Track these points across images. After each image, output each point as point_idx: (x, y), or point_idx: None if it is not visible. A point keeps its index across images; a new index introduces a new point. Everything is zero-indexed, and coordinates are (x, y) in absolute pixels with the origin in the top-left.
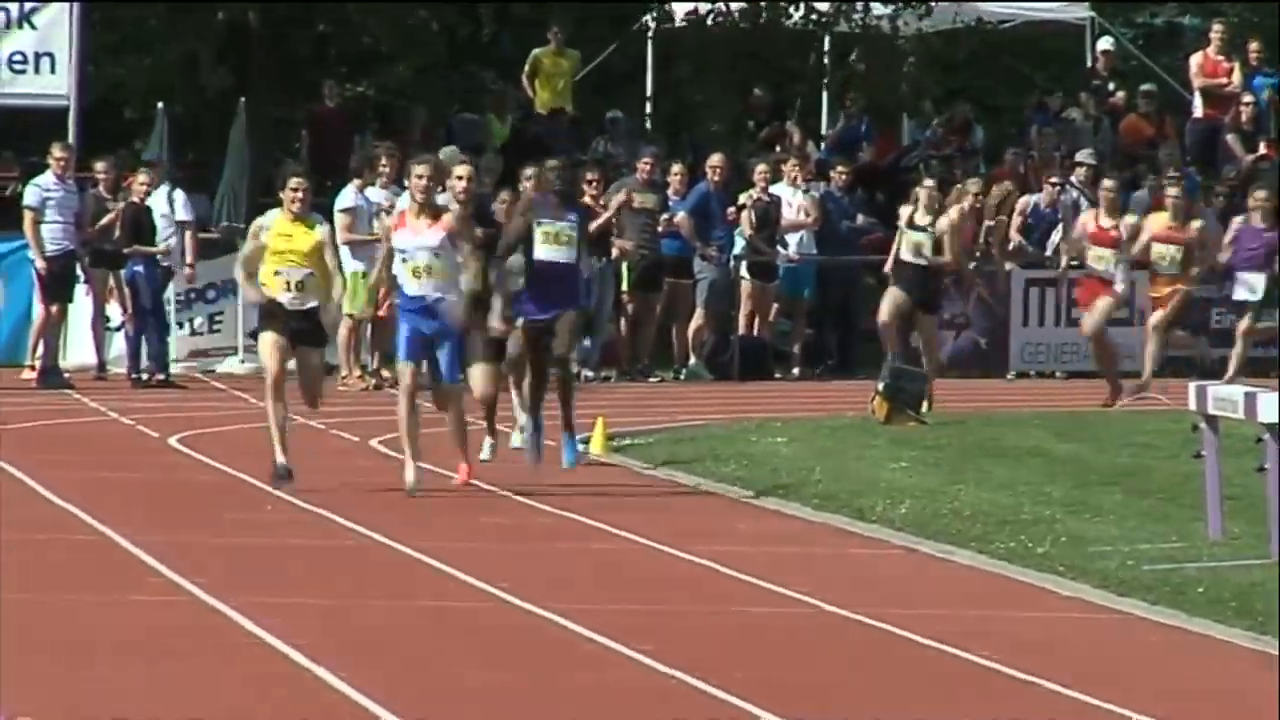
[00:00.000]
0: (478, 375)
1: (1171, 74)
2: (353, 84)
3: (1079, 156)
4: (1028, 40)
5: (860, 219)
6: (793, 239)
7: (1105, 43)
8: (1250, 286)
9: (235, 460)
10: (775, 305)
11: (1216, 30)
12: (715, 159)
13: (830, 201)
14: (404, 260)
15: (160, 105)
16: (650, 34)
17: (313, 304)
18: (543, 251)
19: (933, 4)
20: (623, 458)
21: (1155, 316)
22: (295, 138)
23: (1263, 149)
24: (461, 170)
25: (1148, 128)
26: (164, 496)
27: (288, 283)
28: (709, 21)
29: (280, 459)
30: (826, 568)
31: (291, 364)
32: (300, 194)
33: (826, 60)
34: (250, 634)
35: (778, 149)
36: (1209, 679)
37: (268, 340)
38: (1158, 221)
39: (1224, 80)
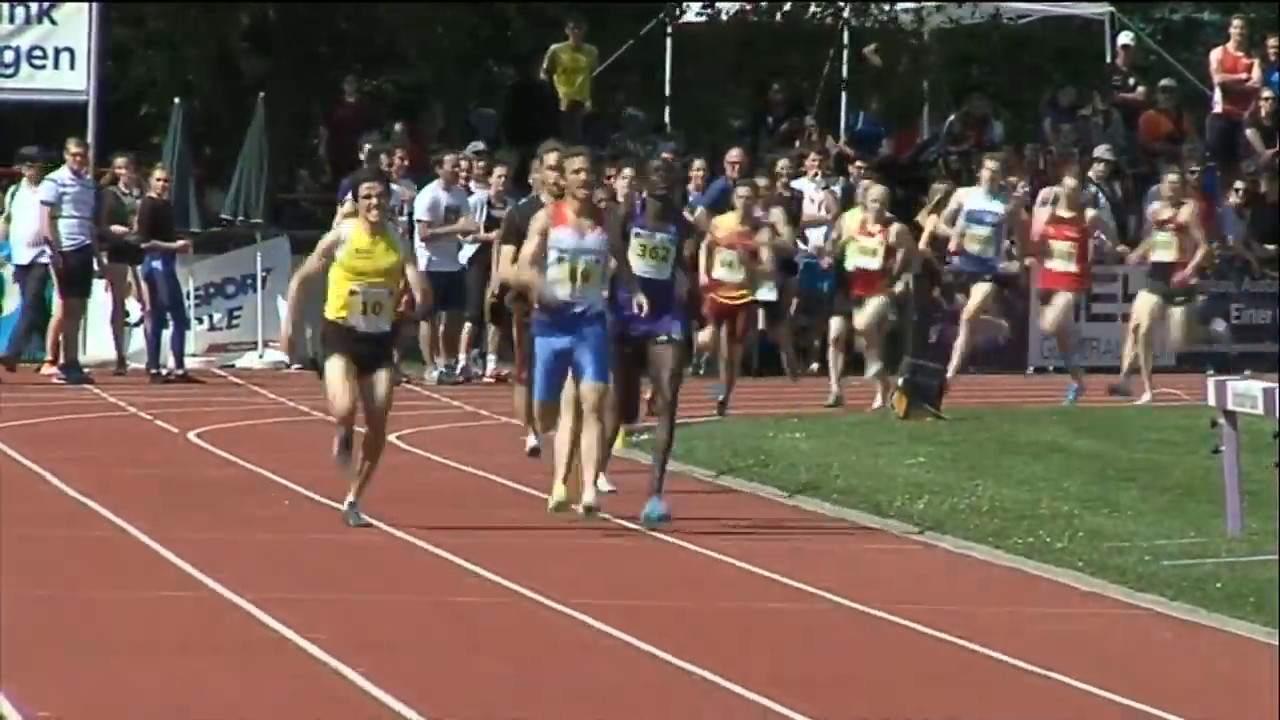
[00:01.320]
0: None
1: (1191, 69)
2: (371, 80)
3: (1097, 152)
4: (1047, 36)
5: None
6: (813, 234)
7: (1125, 38)
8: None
9: (253, 455)
10: (795, 300)
11: (1236, 26)
12: (734, 154)
13: (850, 196)
14: (561, 260)
15: (176, 101)
16: (668, 31)
17: (386, 328)
18: (636, 265)
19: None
20: (641, 453)
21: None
22: (314, 134)
23: None
24: (579, 163)
25: (1167, 123)
26: (183, 492)
27: (365, 304)
28: (723, 17)
29: (351, 497)
30: (845, 563)
31: None
32: (375, 200)
33: (846, 55)
34: (268, 629)
35: (797, 144)
36: (1228, 675)
37: (338, 370)
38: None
39: (1243, 76)
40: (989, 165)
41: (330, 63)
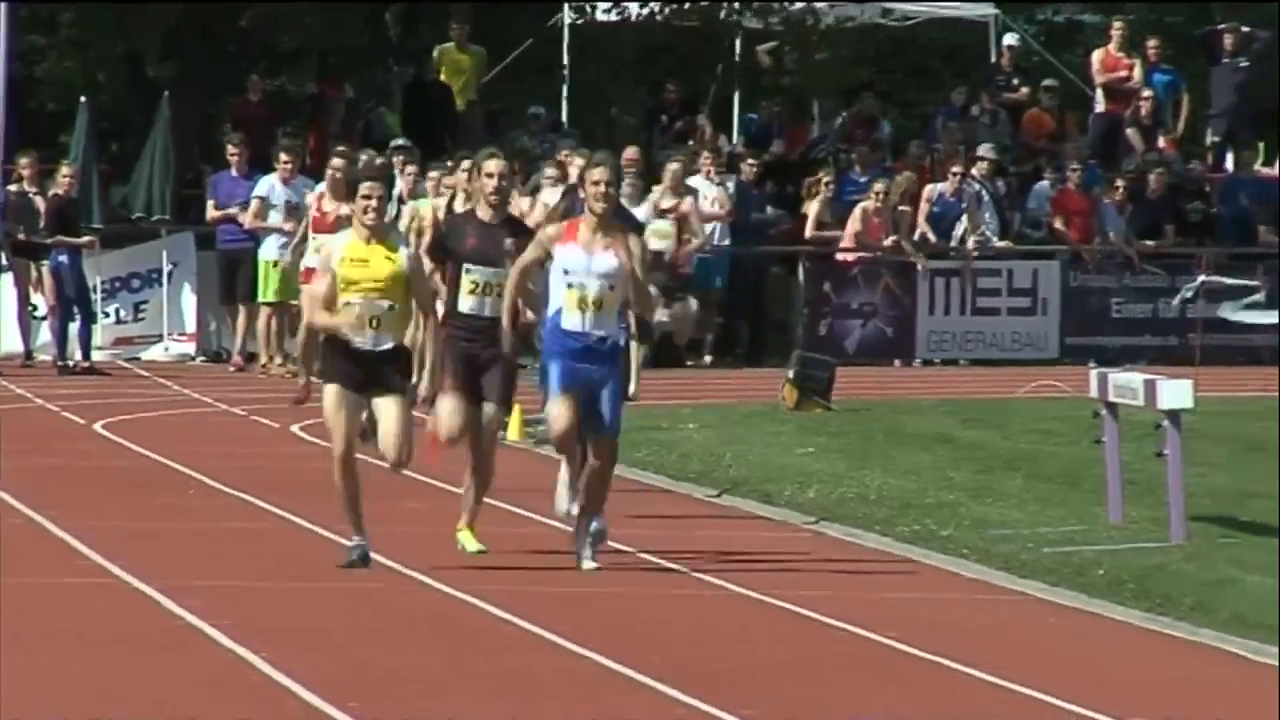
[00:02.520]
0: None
1: (1073, 70)
2: (274, 80)
3: (980, 150)
4: (933, 36)
5: (770, 211)
6: (707, 228)
7: (1009, 39)
8: None
9: (159, 445)
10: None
11: (1117, 28)
12: (630, 152)
13: (741, 194)
14: (568, 285)
15: (83, 99)
16: (566, 30)
17: (390, 345)
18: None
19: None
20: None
21: None
22: (220, 133)
23: (1161, 143)
24: (493, 166)
25: (1050, 122)
26: (90, 481)
27: (361, 318)
28: (633, 18)
29: (356, 539)
30: (736, 550)
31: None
32: (374, 203)
33: (738, 55)
34: (176, 616)
35: (690, 143)
36: (1108, 659)
37: (334, 397)
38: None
39: (1124, 76)
40: (671, 168)
41: (235, 62)
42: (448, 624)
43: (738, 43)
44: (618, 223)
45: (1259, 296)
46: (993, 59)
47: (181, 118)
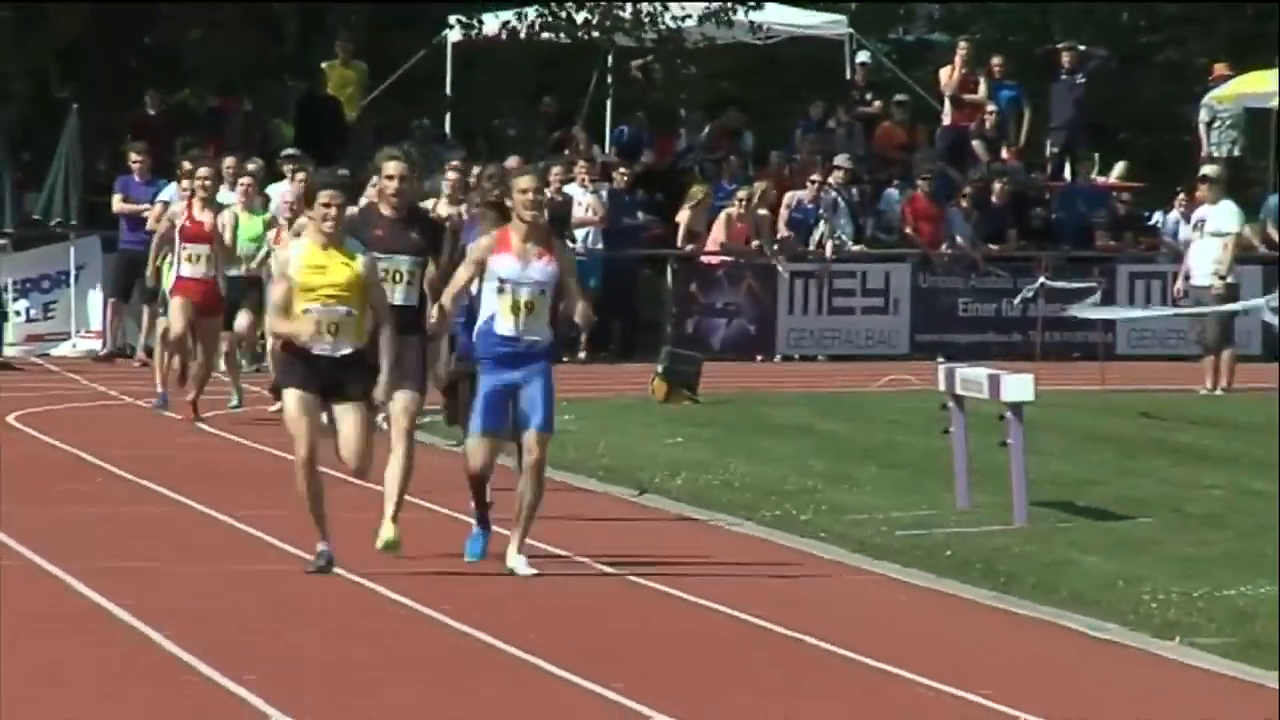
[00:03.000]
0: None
1: (923, 86)
2: (172, 93)
3: (837, 160)
4: (793, 54)
5: (641, 216)
6: (580, 234)
7: (863, 56)
8: None
9: (69, 436)
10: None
11: (962, 47)
12: (511, 162)
13: (614, 200)
14: (501, 291)
15: None
16: (450, 46)
17: (349, 350)
18: None
19: (712, 18)
20: (422, 434)
21: None
22: (121, 141)
23: (1004, 154)
24: (393, 168)
25: (901, 134)
26: (3, 470)
27: (319, 324)
28: (521, 35)
29: (321, 545)
30: (609, 535)
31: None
32: (334, 210)
33: (610, 71)
34: (81, 597)
35: (566, 152)
36: (956, 635)
37: (294, 401)
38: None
39: (970, 91)
40: (449, 176)
41: (136, 78)
42: (337, 603)
43: (610, 58)
44: (544, 229)
45: (1096, 297)
46: (848, 75)
47: (88, 129)
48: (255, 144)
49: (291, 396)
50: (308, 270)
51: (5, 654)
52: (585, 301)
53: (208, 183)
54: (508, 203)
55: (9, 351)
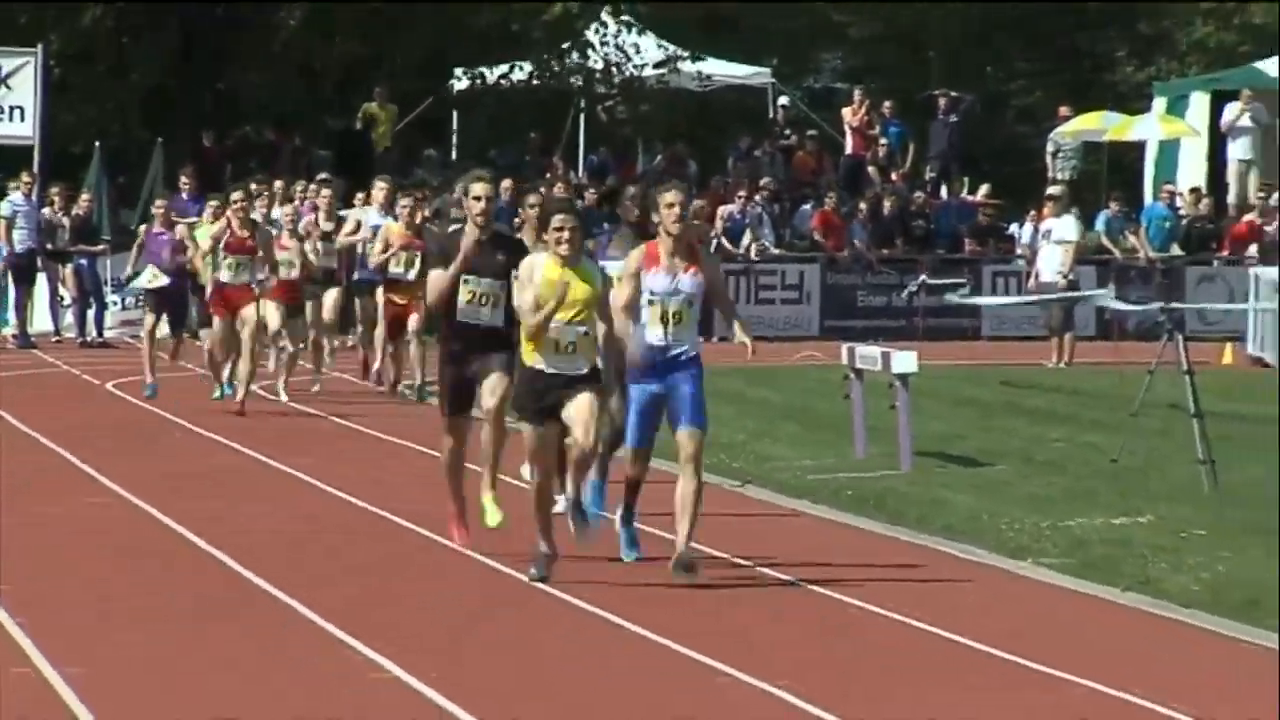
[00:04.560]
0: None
1: (829, 124)
2: (230, 128)
3: (762, 183)
4: (727, 97)
5: (606, 227)
6: None
7: (783, 100)
8: None
9: (156, 400)
10: None
11: (859, 92)
12: (505, 184)
13: (586, 215)
14: (651, 304)
15: (97, 144)
16: (455, 93)
17: (584, 369)
18: None
19: (664, 68)
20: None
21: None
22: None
23: (894, 177)
24: (480, 189)
25: (812, 162)
26: (113, 428)
27: (557, 344)
28: (511, 85)
29: (542, 547)
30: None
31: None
32: (566, 234)
33: (583, 111)
34: (168, 529)
35: (547, 176)
36: (853, 558)
37: (537, 440)
38: (395, 230)
39: (867, 128)
40: (380, 186)
41: (207, 120)
42: (144, 543)
43: (583, 101)
44: (689, 243)
45: (965, 290)
46: (770, 115)
47: (169, 158)
48: (303, 170)
49: (529, 429)
50: (546, 285)
51: (112, 577)
52: (741, 320)
53: (244, 204)
54: (653, 218)
55: (109, 334)
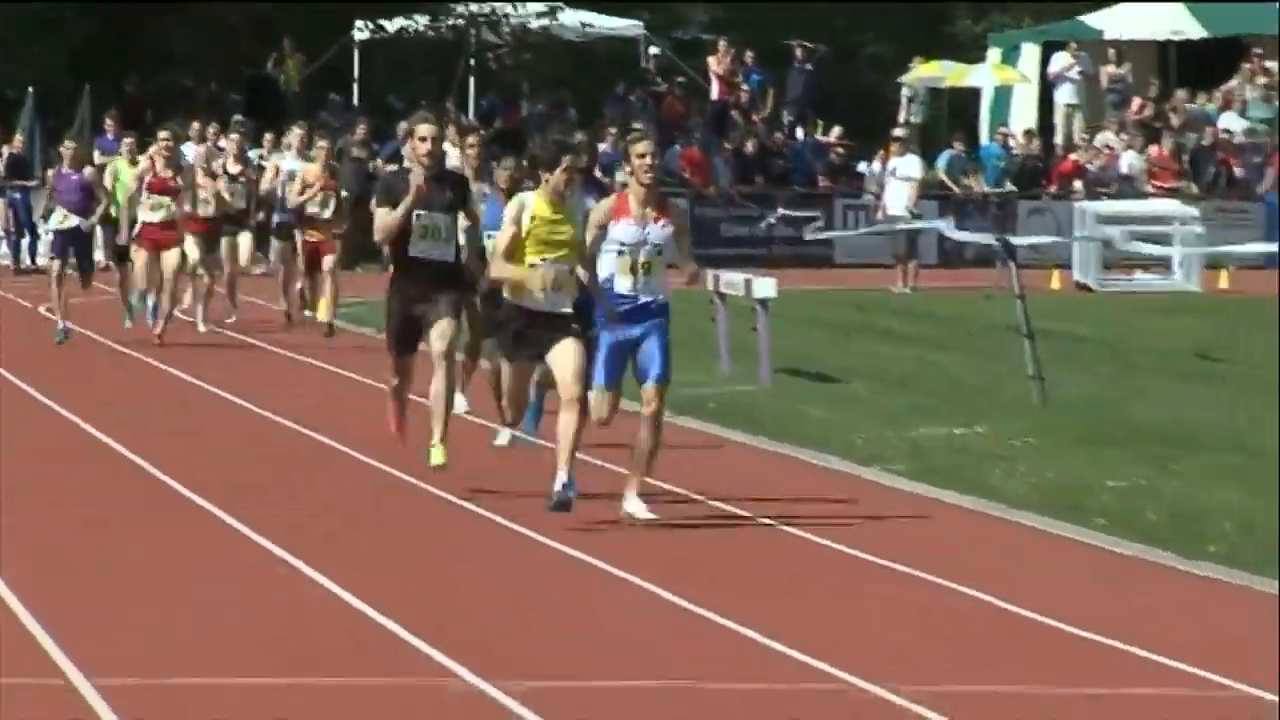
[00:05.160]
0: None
1: (696, 71)
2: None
3: (635, 125)
4: (602, 47)
5: (494, 164)
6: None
7: (653, 50)
8: None
9: (80, 320)
10: None
11: (724, 43)
12: (403, 125)
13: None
14: (621, 254)
15: (30, 90)
16: (357, 42)
17: (567, 308)
18: None
19: (545, 19)
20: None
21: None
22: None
23: (754, 119)
24: (426, 130)
25: (681, 107)
26: (40, 347)
27: (544, 279)
28: (409, 34)
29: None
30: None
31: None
32: (569, 175)
33: (474, 58)
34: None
35: (440, 119)
36: (719, 464)
37: (516, 375)
38: (312, 170)
39: (730, 75)
40: (296, 132)
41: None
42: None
43: (473, 50)
44: (658, 193)
45: (819, 222)
46: (642, 64)
47: (96, 103)
48: (217, 114)
49: (511, 368)
50: (538, 223)
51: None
52: (697, 265)
53: (168, 145)
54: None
55: (40, 261)
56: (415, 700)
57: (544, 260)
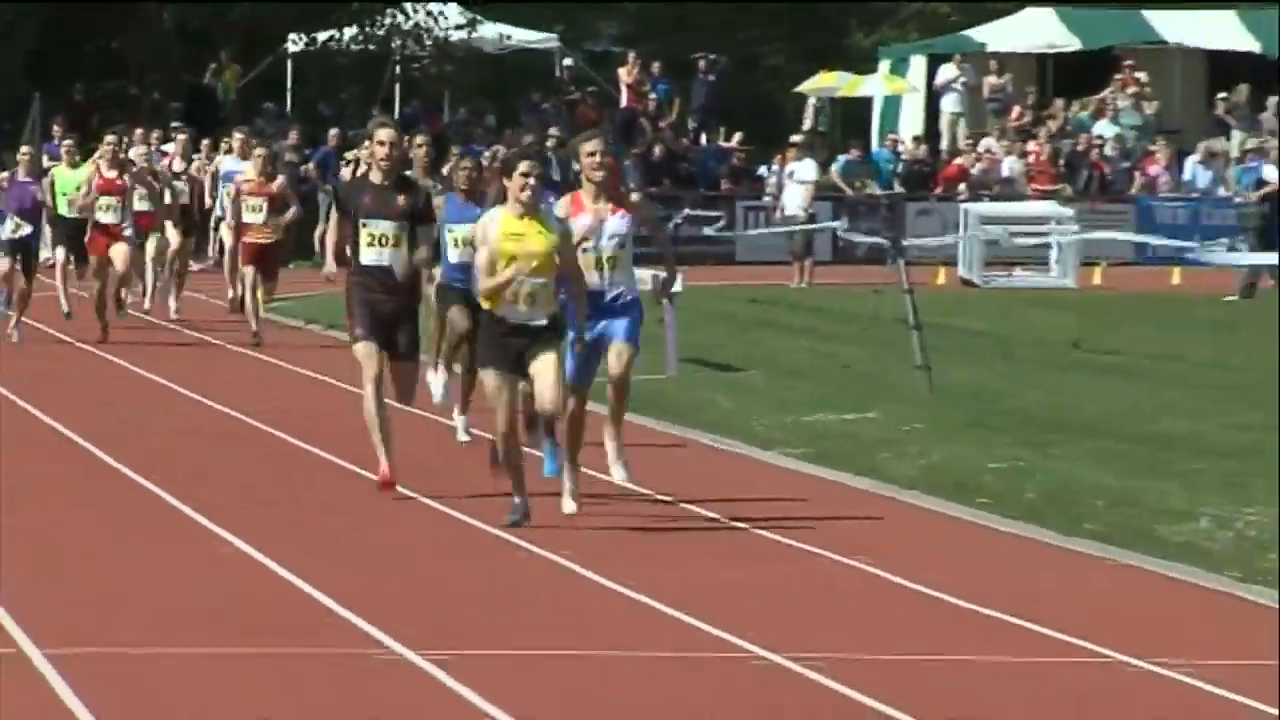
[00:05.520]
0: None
1: (608, 81)
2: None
3: (550, 132)
4: (519, 59)
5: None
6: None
7: (567, 61)
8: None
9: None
10: None
11: (633, 55)
12: (333, 133)
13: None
14: (584, 251)
15: None
16: (290, 55)
17: (543, 320)
18: None
19: (465, 31)
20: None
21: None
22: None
23: (661, 126)
24: (384, 135)
25: (592, 114)
26: None
27: (517, 294)
28: (339, 46)
29: (518, 499)
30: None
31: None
32: (532, 180)
33: (399, 67)
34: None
35: (369, 125)
36: (627, 449)
37: (493, 379)
38: (247, 179)
39: (639, 85)
40: (237, 136)
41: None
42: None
43: (399, 61)
44: (611, 187)
45: (722, 222)
46: (557, 74)
47: (46, 109)
48: (160, 121)
49: (491, 376)
50: (505, 238)
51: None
52: (672, 260)
53: (113, 147)
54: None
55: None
56: (344, 667)
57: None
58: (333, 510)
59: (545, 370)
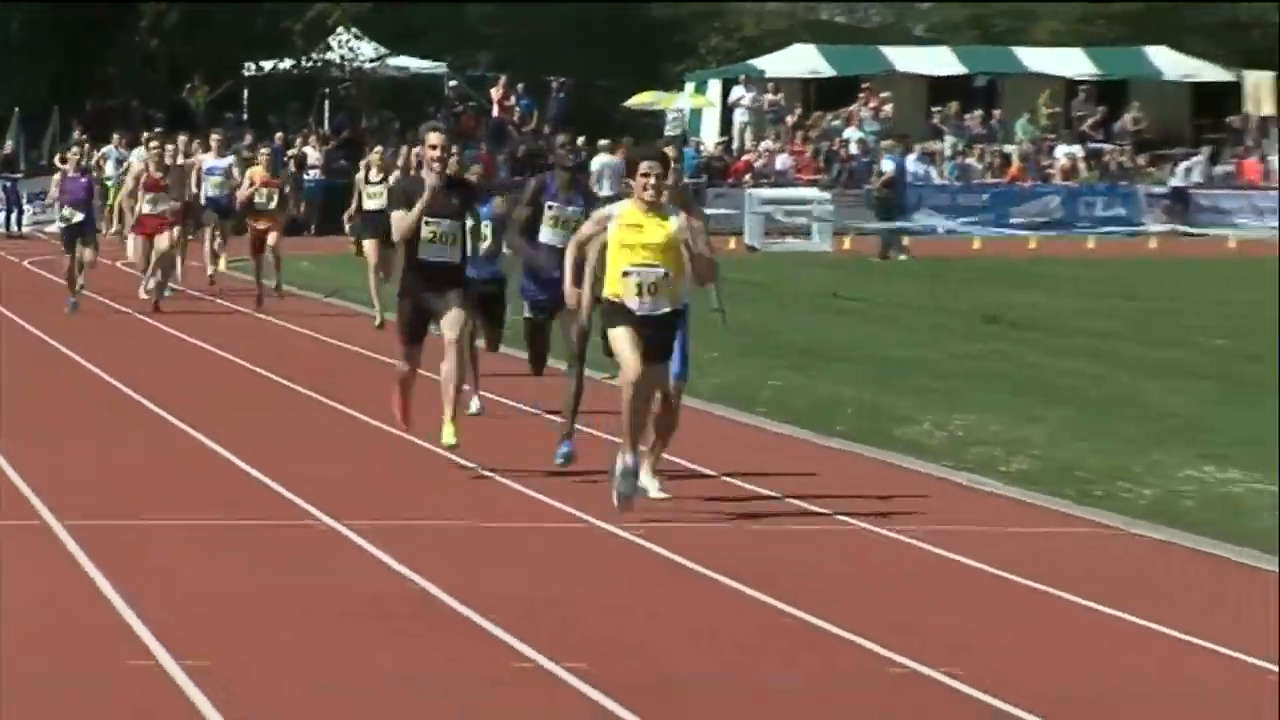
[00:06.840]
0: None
1: (483, 98)
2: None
3: (431, 139)
4: (414, 83)
5: (344, 163)
6: (312, 175)
7: (452, 83)
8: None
9: (52, 268)
10: None
11: (503, 78)
12: (279, 135)
13: (329, 155)
14: (625, 275)
15: (16, 109)
16: (246, 78)
17: (666, 309)
18: (547, 236)
19: (377, 63)
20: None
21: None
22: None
23: (525, 132)
24: (435, 138)
25: (472, 123)
26: (34, 290)
27: (639, 285)
28: (282, 73)
29: (629, 456)
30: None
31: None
32: (653, 179)
33: (329, 88)
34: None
35: (304, 130)
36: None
37: (623, 335)
38: (258, 171)
39: (506, 100)
40: (215, 136)
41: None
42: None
43: (329, 84)
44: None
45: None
46: (445, 93)
47: (63, 117)
48: (149, 128)
49: (621, 333)
50: (625, 229)
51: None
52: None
53: (159, 151)
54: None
55: (26, 229)
56: (285, 537)
57: (633, 266)
58: (277, 414)
59: (660, 376)
